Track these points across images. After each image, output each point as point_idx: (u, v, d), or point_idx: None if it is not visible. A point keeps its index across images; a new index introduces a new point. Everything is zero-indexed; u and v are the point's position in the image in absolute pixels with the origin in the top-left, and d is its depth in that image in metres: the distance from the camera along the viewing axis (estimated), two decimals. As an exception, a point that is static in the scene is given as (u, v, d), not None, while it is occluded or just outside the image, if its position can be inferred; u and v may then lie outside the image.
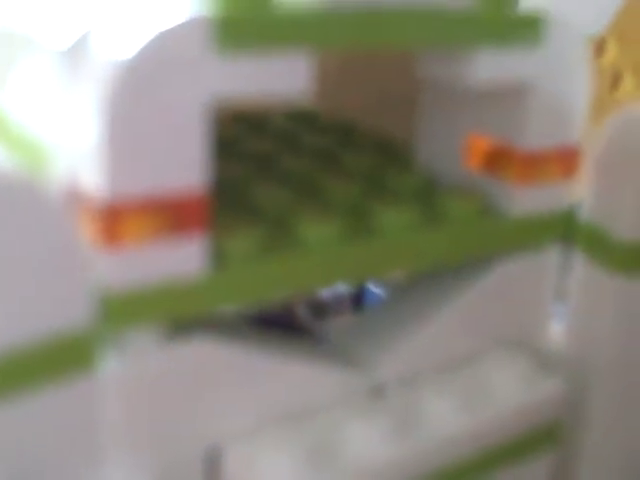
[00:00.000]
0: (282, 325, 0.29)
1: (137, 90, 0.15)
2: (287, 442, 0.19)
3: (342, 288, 0.37)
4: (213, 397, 0.18)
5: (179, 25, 0.16)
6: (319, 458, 0.19)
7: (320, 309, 0.36)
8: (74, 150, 0.16)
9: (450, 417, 0.21)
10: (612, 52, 0.44)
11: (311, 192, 0.22)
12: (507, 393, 0.23)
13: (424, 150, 0.26)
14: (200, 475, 0.18)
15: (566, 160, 0.23)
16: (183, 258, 0.17)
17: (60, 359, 0.15)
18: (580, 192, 0.24)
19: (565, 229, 0.24)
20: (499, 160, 0.23)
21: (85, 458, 0.16)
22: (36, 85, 0.18)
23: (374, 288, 0.36)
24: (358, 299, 0.37)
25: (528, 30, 0.21)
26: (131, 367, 0.17)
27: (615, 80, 0.44)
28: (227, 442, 0.19)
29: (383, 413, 0.21)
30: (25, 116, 0.18)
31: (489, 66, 0.21)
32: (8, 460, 0.14)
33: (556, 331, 0.25)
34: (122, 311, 0.16)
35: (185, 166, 0.16)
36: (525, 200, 0.23)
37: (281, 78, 0.17)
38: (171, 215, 0.16)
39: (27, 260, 0.14)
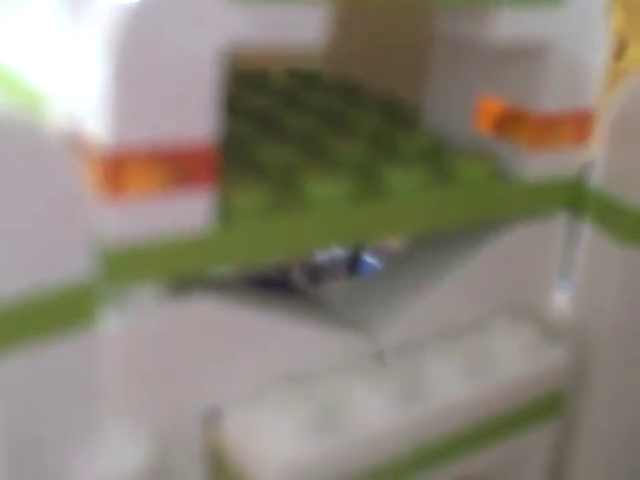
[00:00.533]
0: (277, 287, 0.28)
1: (145, 34, 0.15)
2: (288, 406, 0.18)
3: (338, 253, 0.36)
4: (213, 358, 0.18)
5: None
6: (321, 423, 0.18)
7: (315, 273, 0.36)
8: (77, 96, 0.15)
9: (454, 384, 0.21)
10: (617, 21, 0.43)
11: (317, 151, 0.22)
12: (511, 361, 0.22)
13: (432, 110, 0.25)
14: (198, 437, 0.18)
15: (580, 124, 0.23)
16: (188, 212, 0.16)
17: (59, 312, 0.15)
18: (591, 158, 0.24)
19: (574, 196, 0.23)
20: (512, 123, 0.23)
21: (84, 416, 0.16)
22: (35, 28, 0.17)
23: (369, 257, 0.36)
24: (353, 265, 0.36)
25: (551, -12, 0.20)
26: (131, 324, 0.16)
27: (620, 49, 0.43)
28: (227, 404, 0.18)
29: (387, 379, 0.20)
30: (24, 61, 0.18)
31: (511, 24, 0.20)
32: (5, 416, 0.14)
33: (560, 302, 0.25)
34: (123, 265, 0.16)
35: (193, 116, 0.16)
36: (537, 164, 0.22)
37: (294, 26, 0.16)
38: (177, 167, 0.16)
39: (26, 206, 0.14)
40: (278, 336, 0.19)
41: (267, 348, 0.19)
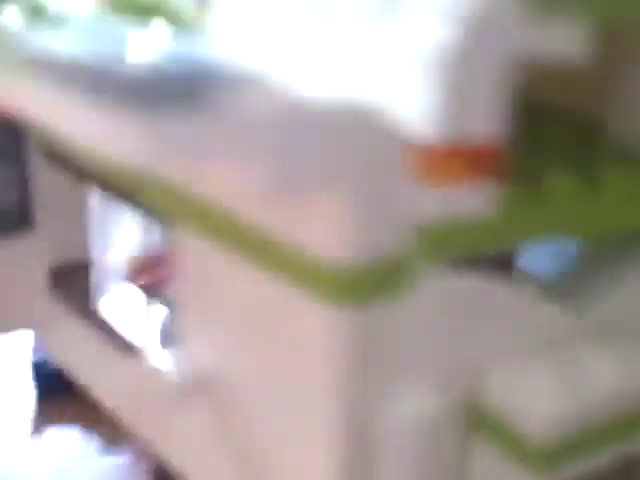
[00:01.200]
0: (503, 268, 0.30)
1: (465, 53, 0.17)
2: (542, 373, 0.20)
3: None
4: (478, 327, 0.19)
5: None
6: (569, 388, 0.19)
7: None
8: (405, 101, 0.17)
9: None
10: None
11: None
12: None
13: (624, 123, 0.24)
14: (464, 394, 0.20)
15: None
16: (480, 199, 0.18)
17: (385, 278, 0.17)
18: None
19: None
20: None
21: (392, 369, 0.18)
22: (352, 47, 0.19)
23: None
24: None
25: None
26: (427, 294, 0.18)
27: None
28: (489, 367, 0.20)
29: (608, 348, 0.21)
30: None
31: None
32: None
33: None
34: (431, 242, 0.18)
35: (491, 120, 0.17)
36: None
37: (566, 41, 0.17)
38: (475, 161, 0.17)
39: (375, 188, 0.16)
40: (529, 312, 0.20)
41: (520, 321, 0.20)
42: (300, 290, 0.16)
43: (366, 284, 0.16)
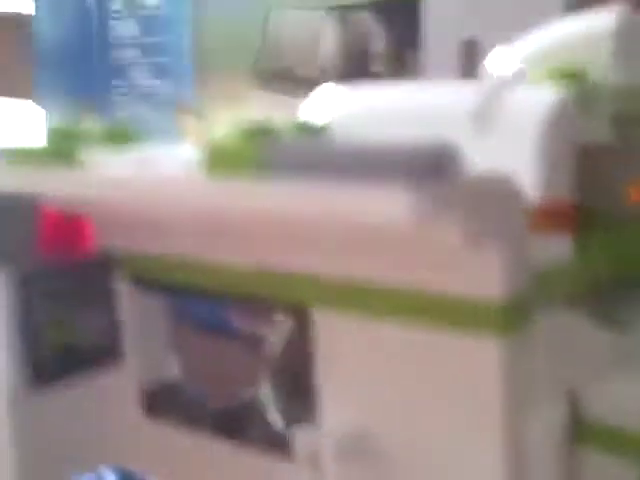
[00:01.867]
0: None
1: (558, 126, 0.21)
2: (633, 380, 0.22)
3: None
4: (574, 351, 0.22)
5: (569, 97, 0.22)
6: None
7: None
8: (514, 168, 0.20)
9: None
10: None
11: None
12: None
13: None
14: (562, 409, 0.21)
15: None
16: (560, 248, 0.21)
17: (526, 314, 0.19)
18: None
19: None
20: None
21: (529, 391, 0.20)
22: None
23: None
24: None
25: None
26: (543, 324, 0.20)
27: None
28: (584, 384, 0.22)
29: None
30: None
31: None
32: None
33: None
34: (546, 285, 0.20)
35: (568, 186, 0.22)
36: None
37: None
38: (559, 217, 0.21)
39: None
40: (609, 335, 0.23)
41: (605, 343, 0.23)
42: (462, 333, 0.19)
43: (517, 318, 0.19)
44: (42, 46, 0.71)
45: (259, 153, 0.17)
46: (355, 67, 0.52)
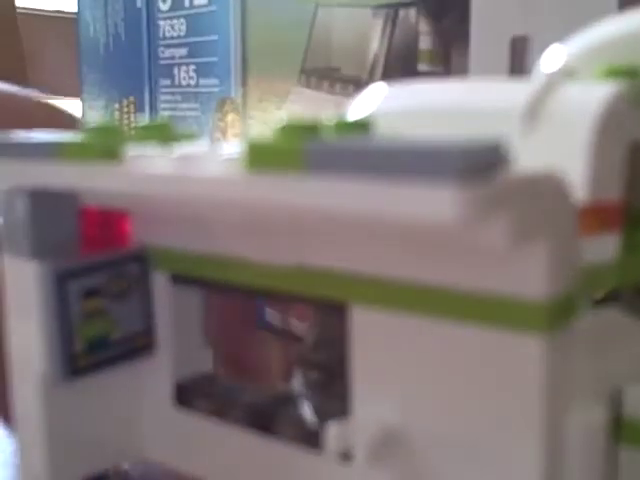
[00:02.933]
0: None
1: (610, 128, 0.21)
2: None
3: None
4: (617, 352, 0.21)
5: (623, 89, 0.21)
6: None
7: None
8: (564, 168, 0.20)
9: None
10: None
11: None
12: None
13: None
14: (606, 408, 0.21)
15: None
16: (609, 247, 0.21)
17: (568, 310, 0.19)
18: None
19: None
20: None
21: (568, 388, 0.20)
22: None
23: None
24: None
25: None
26: (585, 322, 0.20)
27: None
28: (628, 383, 0.21)
29: None
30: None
31: None
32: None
33: None
34: (592, 283, 0.20)
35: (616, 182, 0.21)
36: None
37: None
38: (603, 216, 0.21)
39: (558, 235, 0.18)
40: None
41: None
42: (504, 331, 0.18)
43: (561, 316, 0.19)
44: (88, 45, 0.71)
45: (303, 149, 0.17)
46: (402, 66, 0.51)
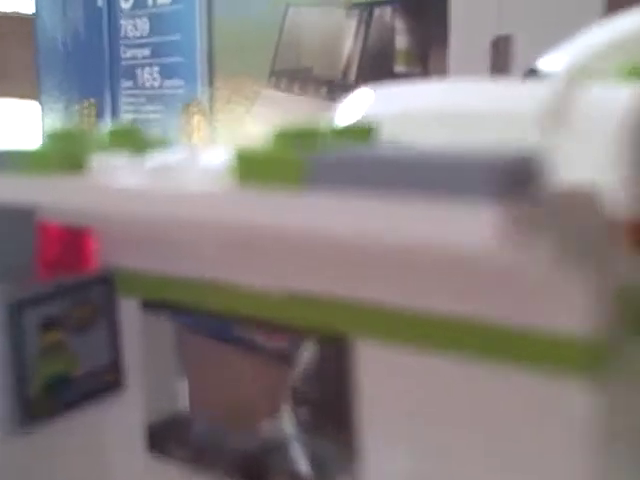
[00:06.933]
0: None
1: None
2: None
3: None
4: None
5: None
6: None
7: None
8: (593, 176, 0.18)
9: None
10: None
11: None
12: None
13: None
14: None
15: None
16: None
17: (614, 349, 0.17)
18: None
19: None
20: None
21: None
22: None
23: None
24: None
25: None
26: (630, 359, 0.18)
27: None
28: None
29: None
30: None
31: None
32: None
33: None
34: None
35: None
36: None
37: None
38: None
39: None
40: None
41: None
42: (538, 370, 0.16)
43: (607, 356, 0.16)
44: (47, 45, 0.69)
45: (303, 160, 0.15)
46: (378, 66, 0.50)
